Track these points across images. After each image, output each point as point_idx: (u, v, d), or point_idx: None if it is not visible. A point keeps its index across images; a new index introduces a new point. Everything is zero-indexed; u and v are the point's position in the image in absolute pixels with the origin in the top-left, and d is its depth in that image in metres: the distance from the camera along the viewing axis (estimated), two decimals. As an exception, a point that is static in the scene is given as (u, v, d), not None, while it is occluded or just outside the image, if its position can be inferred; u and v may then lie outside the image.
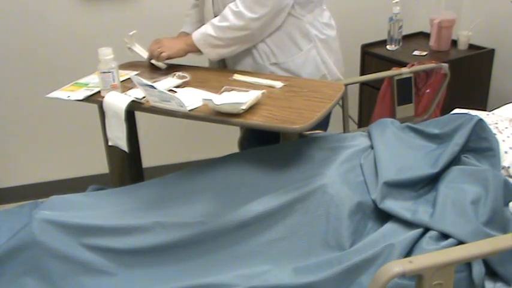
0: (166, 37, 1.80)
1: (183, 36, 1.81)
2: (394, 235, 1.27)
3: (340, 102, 1.97)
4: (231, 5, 1.65)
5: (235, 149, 1.99)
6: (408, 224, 1.29)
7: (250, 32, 1.66)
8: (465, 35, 2.58)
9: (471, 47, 2.60)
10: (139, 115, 1.74)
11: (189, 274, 1.31)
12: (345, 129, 2.02)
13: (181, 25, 1.93)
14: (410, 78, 2.13)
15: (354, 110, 2.73)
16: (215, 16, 1.75)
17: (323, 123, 1.46)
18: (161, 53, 1.74)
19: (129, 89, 1.63)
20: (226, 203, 1.40)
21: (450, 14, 2.58)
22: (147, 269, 1.35)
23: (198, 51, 1.74)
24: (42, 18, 2.42)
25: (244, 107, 1.42)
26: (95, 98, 1.62)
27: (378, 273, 1.01)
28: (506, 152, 1.51)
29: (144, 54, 1.83)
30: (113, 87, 1.58)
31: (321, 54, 1.77)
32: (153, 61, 1.82)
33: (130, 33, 1.81)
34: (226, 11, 1.65)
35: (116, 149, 1.59)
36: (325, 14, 1.81)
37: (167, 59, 1.75)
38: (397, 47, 2.64)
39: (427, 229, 1.27)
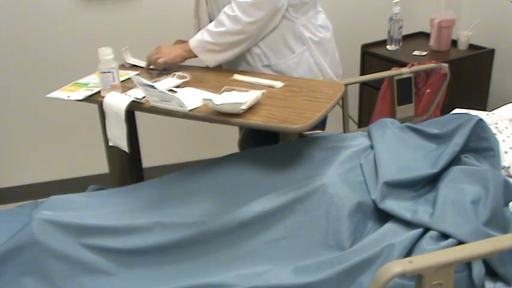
0: (165, 44, 1.79)
1: (181, 43, 1.80)
2: (394, 235, 1.27)
3: (340, 102, 1.97)
4: (227, 9, 1.63)
5: (235, 149, 1.99)
6: (408, 224, 1.29)
7: (247, 36, 1.65)
8: (465, 35, 2.58)
9: (471, 47, 2.60)
10: (139, 115, 1.74)
11: (189, 274, 1.31)
12: (345, 129, 2.02)
13: (180, 25, 1.92)
14: (410, 78, 2.13)
15: (354, 110, 2.73)
16: (209, 16, 1.75)
17: (320, 123, 1.47)
18: (158, 59, 1.73)
19: (129, 89, 1.63)
20: (226, 203, 1.40)
21: (450, 14, 2.58)
22: (147, 269, 1.35)
23: (195, 57, 1.73)
24: (42, 18, 2.42)
25: (244, 107, 1.42)
26: (95, 98, 1.62)
27: (378, 273, 1.01)
28: (506, 152, 1.51)
29: (141, 63, 1.83)
30: (113, 87, 1.58)
31: (314, 56, 1.76)
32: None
33: (123, 49, 1.82)
34: (222, 16, 1.64)
35: (116, 149, 1.59)
36: (320, 16, 1.80)
37: (164, 65, 1.74)
38: (397, 47, 2.64)
39: (427, 229, 1.27)
